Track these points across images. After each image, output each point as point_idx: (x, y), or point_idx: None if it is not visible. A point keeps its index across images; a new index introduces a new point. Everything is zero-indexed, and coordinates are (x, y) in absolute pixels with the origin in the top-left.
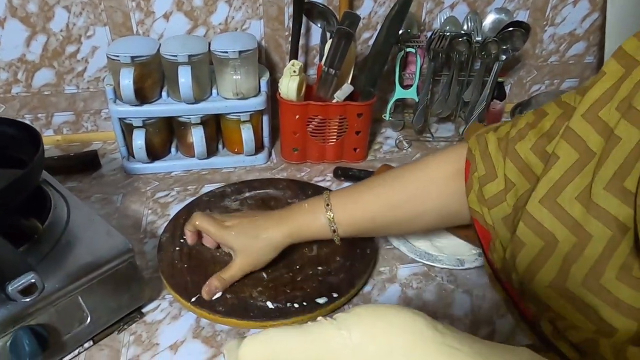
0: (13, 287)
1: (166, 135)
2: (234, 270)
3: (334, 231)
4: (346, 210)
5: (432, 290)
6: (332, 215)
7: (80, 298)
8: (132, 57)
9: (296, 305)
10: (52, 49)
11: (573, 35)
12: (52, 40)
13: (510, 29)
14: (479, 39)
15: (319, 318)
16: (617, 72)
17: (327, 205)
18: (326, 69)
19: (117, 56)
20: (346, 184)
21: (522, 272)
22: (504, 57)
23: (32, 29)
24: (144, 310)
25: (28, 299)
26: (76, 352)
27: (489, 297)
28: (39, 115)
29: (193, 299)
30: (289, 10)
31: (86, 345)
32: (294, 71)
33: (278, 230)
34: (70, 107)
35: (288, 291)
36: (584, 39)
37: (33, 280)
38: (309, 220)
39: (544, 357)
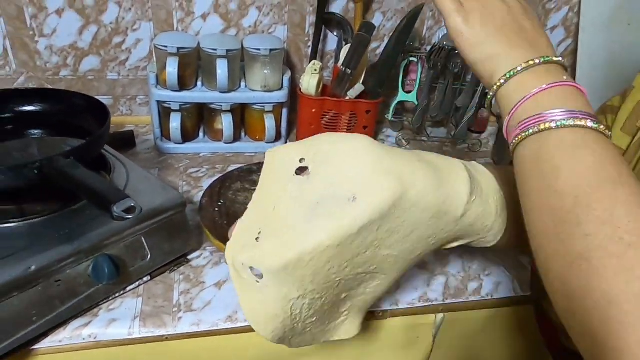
0: (118, 208)
1: (196, 120)
2: None
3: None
4: None
5: None
6: None
7: (143, 238)
8: (178, 48)
9: None
10: (101, 39)
11: None
12: (102, 31)
13: None
14: None
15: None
16: None
17: None
18: (343, 69)
19: (165, 47)
20: None
21: None
22: None
23: (86, 19)
24: (189, 257)
25: (130, 216)
26: (137, 284)
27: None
28: None
29: None
30: (310, 19)
31: (145, 279)
32: (315, 69)
33: None
34: (110, 91)
35: None
36: None
37: (132, 204)
38: None
39: None
